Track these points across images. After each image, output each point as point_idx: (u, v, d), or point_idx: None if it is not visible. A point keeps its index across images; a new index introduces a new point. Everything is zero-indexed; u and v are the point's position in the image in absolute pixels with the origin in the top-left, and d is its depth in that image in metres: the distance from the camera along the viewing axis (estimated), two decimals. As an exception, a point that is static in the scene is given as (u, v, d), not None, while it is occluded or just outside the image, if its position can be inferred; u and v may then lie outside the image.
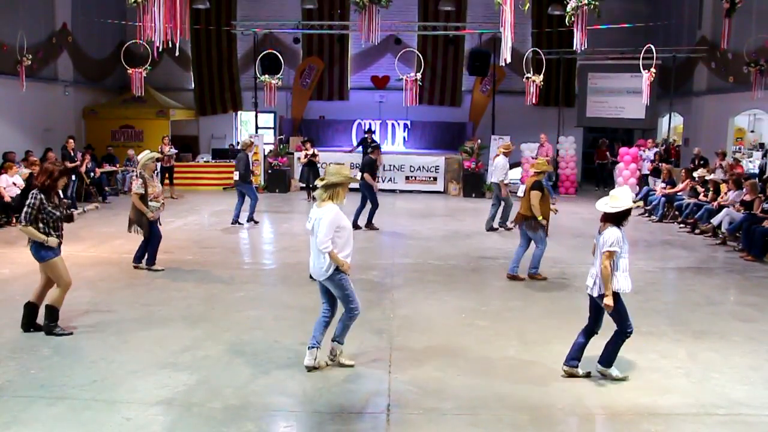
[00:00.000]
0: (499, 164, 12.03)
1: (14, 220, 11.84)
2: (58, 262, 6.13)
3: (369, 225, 11.84)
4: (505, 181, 11.87)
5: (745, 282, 8.76)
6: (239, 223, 12.08)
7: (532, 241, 8.51)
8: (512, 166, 17.33)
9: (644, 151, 16.72)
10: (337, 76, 20.88)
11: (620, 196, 5.22)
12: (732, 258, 10.23)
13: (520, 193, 8.48)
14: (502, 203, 12.04)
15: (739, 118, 17.10)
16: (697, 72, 17.92)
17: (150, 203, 8.47)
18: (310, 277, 5.79)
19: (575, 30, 9.30)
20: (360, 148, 16.74)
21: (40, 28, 16.04)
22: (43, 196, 6.04)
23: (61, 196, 6.40)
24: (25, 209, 6.01)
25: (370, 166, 11.71)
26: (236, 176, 12.53)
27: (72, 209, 13.09)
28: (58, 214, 6.12)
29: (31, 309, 6.26)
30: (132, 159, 16.70)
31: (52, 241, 6.05)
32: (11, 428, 4.41)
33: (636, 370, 5.61)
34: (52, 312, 6.13)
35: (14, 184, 11.97)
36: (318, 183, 5.41)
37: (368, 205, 11.82)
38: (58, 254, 6.14)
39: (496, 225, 12.15)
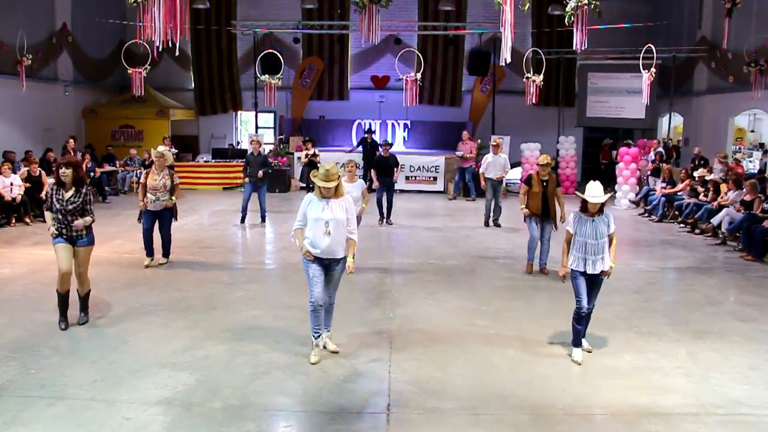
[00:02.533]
0: (492, 162, 12.57)
1: (14, 220, 11.86)
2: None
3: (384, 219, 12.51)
4: (487, 175, 12.48)
5: (745, 282, 8.76)
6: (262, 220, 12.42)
7: (543, 234, 8.93)
8: (512, 165, 17.35)
9: (648, 155, 16.61)
10: (337, 76, 20.86)
11: (596, 185, 5.87)
12: (732, 258, 10.22)
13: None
14: (493, 199, 12.49)
15: (739, 118, 17.08)
16: (697, 72, 17.92)
17: (147, 194, 8.74)
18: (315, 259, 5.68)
19: (575, 30, 9.30)
20: (360, 148, 16.74)
21: (40, 28, 16.05)
22: (55, 186, 6.40)
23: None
24: (90, 206, 6.47)
25: (377, 164, 12.20)
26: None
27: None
28: (57, 206, 6.37)
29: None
30: (133, 158, 16.74)
31: (51, 230, 6.44)
32: (11, 428, 4.41)
33: (636, 370, 5.61)
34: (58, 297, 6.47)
35: (12, 184, 11.97)
36: (318, 181, 5.57)
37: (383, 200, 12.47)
38: (59, 241, 6.47)
39: (494, 220, 12.54)
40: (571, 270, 5.84)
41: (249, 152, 12.76)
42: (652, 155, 16.48)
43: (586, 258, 5.75)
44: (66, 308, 6.42)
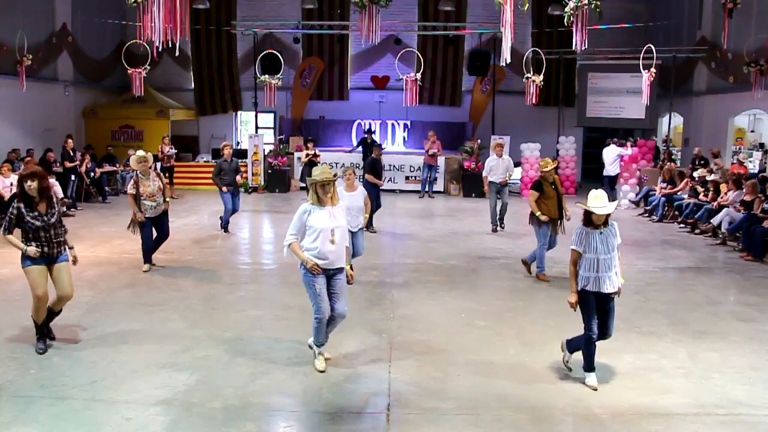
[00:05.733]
0: (495, 165, 12.04)
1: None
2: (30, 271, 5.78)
3: (368, 227, 11.73)
4: (490, 179, 11.84)
5: (745, 282, 8.76)
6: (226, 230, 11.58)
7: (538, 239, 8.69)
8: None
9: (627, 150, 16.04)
10: (337, 76, 20.86)
11: (599, 193, 5.31)
12: (732, 258, 10.22)
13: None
14: (499, 201, 11.98)
15: (739, 118, 17.07)
16: (697, 72, 17.91)
17: (144, 202, 8.51)
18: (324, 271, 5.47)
19: (575, 30, 9.28)
20: (360, 148, 16.74)
21: (40, 28, 16.04)
22: (21, 205, 5.68)
23: (53, 200, 5.84)
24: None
25: (371, 166, 11.68)
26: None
27: (73, 208, 13.15)
28: (38, 223, 5.67)
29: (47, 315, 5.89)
30: (131, 159, 16.76)
31: (30, 250, 5.69)
32: (11, 428, 4.41)
33: (636, 370, 5.61)
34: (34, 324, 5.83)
35: (11, 184, 11.96)
36: (320, 176, 5.41)
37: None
38: (35, 264, 5.75)
39: (499, 219, 12.16)
40: (583, 291, 5.18)
41: (222, 158, 11.56)
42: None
43: (599, 276, 5.13)
44: (45, 330, 5.87)
